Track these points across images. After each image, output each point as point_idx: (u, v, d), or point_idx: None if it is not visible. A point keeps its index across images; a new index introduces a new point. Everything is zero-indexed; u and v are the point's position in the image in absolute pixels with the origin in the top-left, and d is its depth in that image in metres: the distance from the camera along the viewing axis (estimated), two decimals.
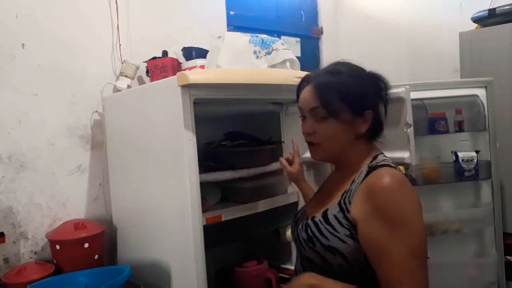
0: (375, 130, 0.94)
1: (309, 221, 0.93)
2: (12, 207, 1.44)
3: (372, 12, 2.69)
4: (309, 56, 2.59)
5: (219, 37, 1.46)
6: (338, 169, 1.01)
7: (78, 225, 1.41)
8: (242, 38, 1.45)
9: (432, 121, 1.82)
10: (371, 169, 0.87)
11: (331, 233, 0.87)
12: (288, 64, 1.46)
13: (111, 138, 1.56)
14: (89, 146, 1.63)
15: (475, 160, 1.76)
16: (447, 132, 1.82)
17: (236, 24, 2.18)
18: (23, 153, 1.47)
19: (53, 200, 1.53)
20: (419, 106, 1.80)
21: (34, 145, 1.49)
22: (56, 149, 1.54)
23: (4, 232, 1.38)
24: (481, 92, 1.84)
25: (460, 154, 1.77)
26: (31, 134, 1.49)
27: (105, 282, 1.07)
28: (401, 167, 1.67)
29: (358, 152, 0.93)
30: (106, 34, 1.69)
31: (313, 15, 2.68)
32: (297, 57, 1.52)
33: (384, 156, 0.94)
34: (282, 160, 1.30)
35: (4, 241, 1.37)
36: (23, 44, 1.48)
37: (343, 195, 0.90)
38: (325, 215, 0.90)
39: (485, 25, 2.10)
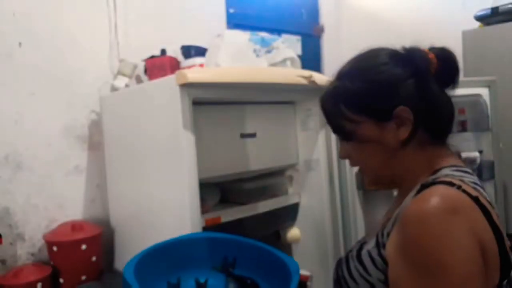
0: (431, 128, 0.69)
1: (345, 257, 0.75)
2: (9, 208, 1.42)
3: (374, 9, 2.67)
4: (310, 54, 2.56)
5: (219, 35, 1.44)
6: (399, 189, 0.77)
7: (75, 226, 1.40)
8: (242, 37, 1.44)
9: None
10: (423, 187, 0.63)
11: (361, 275, 0.68)
12: (288, 62, 1.45)
13: (109, 138, 1.54)
14: (87, 146, 1.61)
15: (478, 161, 1.74)
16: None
17: (235, 22, 2.15)
18: (20, 153, 1.45)
19: (50, 201, 1.51)
20: None
21: (31, 145, 1.48)
22: (53, 149, 1.53)
23: (1, 234, 1.36)
24: (484, 91, 1.82)
25: (463, 155, 1.75)
26: (27, 134, 1.47)
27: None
28: None
29: (410, 165, 0.70)
30: (104, 32, 1.67)
31: (314, 13, 2.65)
32: (298, 56, 1.51)
33: (459, 168, 0.67)
34: None
35: (1, 243, 1.35)
36: (20, 43, 1.46)
37: (384, 225, 0.70)
38: (359, 251, 0.71)
39: (488, 24, 2.08)
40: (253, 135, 1.46)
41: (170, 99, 1.16)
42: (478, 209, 0.60)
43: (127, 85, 1.61)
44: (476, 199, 0.60)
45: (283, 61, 1.44)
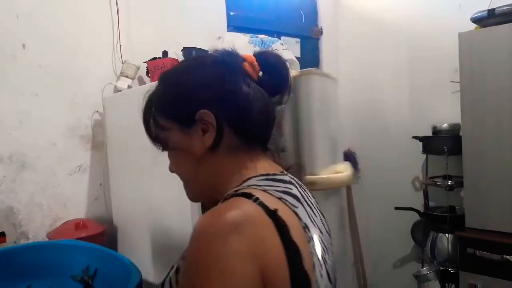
0: (241, 133, 0.62)
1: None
2: (13, 207, 1.44)
3: (372, 12, 2.70)
4: (309, 56, 2.59)
5: (219, 38, 1.47)
6: None
7: (78, 224, 1.42)
8: (242, 39, 1.46)
9: None
10: (225, 200, 0.57)
11: None
12: (287, 64, 1.46)
13: (112, 138, 1.56)
14: (90, 146, 1.63)
15: None
16: None
17: (236, 24, 2.18)
18: (24, 153, 1.47)
19: (54, 200, 1.53)
20: None
21: (35, 145, 1.50)
22: (57, 149, 1.55)
23: (5, 232, 1.38)
24: None
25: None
26: (32, 134, 1.49)
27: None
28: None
29: (220, 175, 0.63)
30: (107, 34, 1.69)
31: (313, 16, 2.68)
32: (297, 58, 1.54)
33: (270, 177, 0.61)
34: None
35: (5, 241, 1.37)
36: (23, 45, 1.49)
37: None
38: (166, 277, 0.64)
39: (484, 26, 2.10)
40: None
41: None
42: (271, 224, 0.52)
43: (129, 86, 1.63)
44: (272, 213, 0.53)
45: None
